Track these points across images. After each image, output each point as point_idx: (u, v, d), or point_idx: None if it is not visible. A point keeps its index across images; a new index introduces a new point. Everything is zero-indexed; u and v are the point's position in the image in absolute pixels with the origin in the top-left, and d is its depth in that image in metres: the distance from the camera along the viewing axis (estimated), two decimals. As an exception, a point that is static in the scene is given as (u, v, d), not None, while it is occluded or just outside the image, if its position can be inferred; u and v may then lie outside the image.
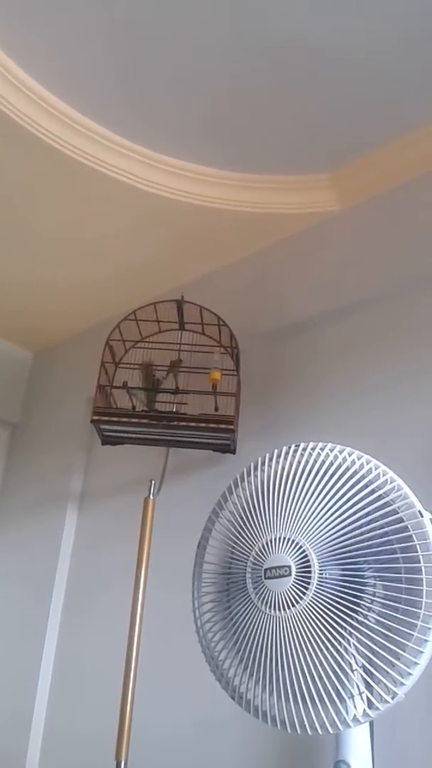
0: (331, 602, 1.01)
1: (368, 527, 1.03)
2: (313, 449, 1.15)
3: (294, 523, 1.07)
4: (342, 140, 1.86)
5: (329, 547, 1.03)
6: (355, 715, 0.98)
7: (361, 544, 1.02)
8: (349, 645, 0.99)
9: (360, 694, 0.99)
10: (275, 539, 1.08)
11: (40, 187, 2.00)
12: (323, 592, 1.01)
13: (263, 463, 1.21)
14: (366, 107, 1.74)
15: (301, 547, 1.04)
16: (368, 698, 0.98)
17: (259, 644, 1.06)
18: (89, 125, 1.84)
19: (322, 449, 1.14)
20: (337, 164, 1.95)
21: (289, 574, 1.04)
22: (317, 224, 2.09)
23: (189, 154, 1.95)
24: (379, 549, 1.02)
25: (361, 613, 1.00)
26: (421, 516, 1.01)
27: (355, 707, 0.99)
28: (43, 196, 2.04)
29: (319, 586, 1.01)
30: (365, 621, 1.00)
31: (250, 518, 1.15)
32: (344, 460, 1.11)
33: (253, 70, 1.66)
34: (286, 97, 1.73)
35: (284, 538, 1.07)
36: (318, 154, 1.92)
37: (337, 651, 0.99)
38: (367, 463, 1.09)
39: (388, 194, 1.93)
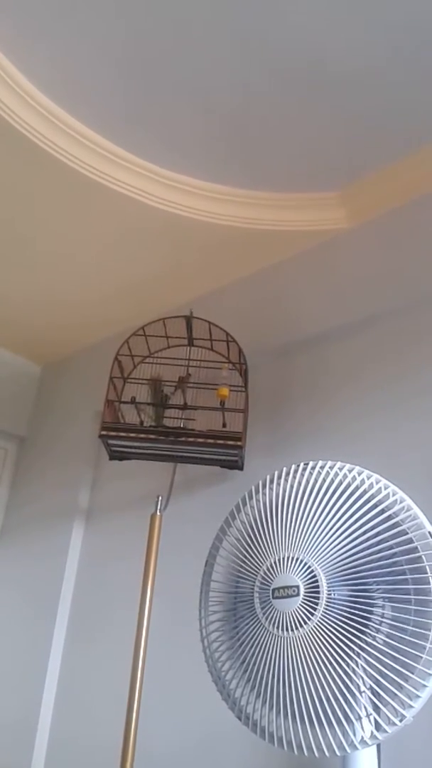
0: (339, 623, 1.00)
1: (377, 548, 1.02)
2: (322, 468, 1.15)
3: (302, 542, 1.07)
4: (352, 158, 1.88)
5: (338, 567, 1.03)
6: (362, 738, 0.98)
7: (370, 565, 1.02)
8: (357, 666, 0.99)
9: (368, 716, 0.98)
10: (283, 559, 1.07)
11: (48, 202, 2.01)
12: (331, 613, 1.01)
13: (271, 481, 1.21)
14: (376, 125, 1.75)
15: (309, 567, 1.04)
16: (376, 720, 0.98)
17: (266, 665, 1.05)
18: (98, 141, 1.86)
19: (331, 468, 1.14)
20: (347, 182, 1.96)
21: (297, 594, 1.03)
22: (326, 241, 2.10)
23: (198, 171, 1.96)
24: (388, 570, 1.02)
25: (370, 634, 1.00)
26: (431, 537, 1.01)
27: (362, 729, 0.98)
28: (51, 210, 2.05)
29: (327, 607, 1.01)
30: (373, 642, 0.99)
31: (258, 537, 1.15)
32: (353, 479, 1.11)
33: (262, 87, 1.67)
34: (295, 114, 1.74)
35: (292, 558, 1.06)
36: (328, 172, 1.93)
37: (345, 672, 0.98)
38: (377, 483, 1.09)
39: (398, 212, 1.94)
